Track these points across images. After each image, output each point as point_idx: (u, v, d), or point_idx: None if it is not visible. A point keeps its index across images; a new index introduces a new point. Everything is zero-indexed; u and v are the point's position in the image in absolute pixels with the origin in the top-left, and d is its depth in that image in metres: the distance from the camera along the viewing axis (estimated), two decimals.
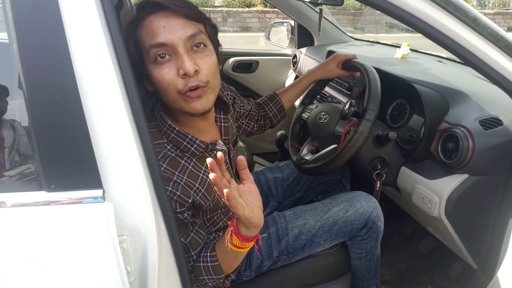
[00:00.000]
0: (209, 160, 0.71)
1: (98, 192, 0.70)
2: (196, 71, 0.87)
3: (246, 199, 0.79)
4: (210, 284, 0.94)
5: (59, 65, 0.66)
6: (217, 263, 0.92)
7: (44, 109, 0.67)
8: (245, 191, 0.80)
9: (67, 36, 0.65)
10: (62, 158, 0.68)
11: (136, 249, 0.78)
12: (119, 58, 0.70)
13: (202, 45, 0.89)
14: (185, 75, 0.86)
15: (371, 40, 2.41)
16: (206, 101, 0.92)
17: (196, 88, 0.88)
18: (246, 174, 0.81)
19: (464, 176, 1.12)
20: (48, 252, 0.71)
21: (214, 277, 0.93)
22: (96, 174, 0.70)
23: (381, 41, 2.34)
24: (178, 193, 0.90)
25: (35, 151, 0.68)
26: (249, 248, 0.87)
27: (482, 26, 0.93)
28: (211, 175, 0.70)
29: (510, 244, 0.98)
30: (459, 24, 0.92)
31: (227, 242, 0.85)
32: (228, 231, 0.85)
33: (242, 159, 0.76)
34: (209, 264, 0.92)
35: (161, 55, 0.86)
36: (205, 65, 0.89)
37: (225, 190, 0.71)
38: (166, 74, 0.87)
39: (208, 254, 0.93)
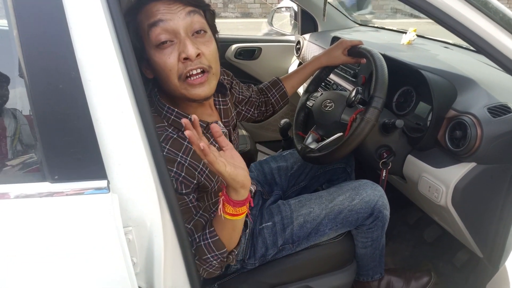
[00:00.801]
0: (184, 119, 0.71)
1: (102, 183, 0.69)
2: (198, 54, 0.88)
3: (228, 160, 0.79)
4: (215, 262, 0.93)
5: (60, 53, 0.64)
6: (217, 237, 0.91)
7: (46, 98, 0.65)
8: (226, 156, 0.80)
9: (68, 23, 0.64)
10: (65, 148, 0.67)
11: (142, 240, 0.77)
12: (122, 45, 0.68)
13: (202, 31, 0.91)
14: (186, 59, 0.87)
15: (376, 25, 2.36)
16: (209, 87, 0.93)
17: (201, 72, 0.90)
18: (224, 141, 0.80)
19: (472, 164, 1.10)
20: (53, 244, 0.70)
21: (216, 253, 0.92)
22: (100, 165, 0.69)
23: (386, 27, 2.29)
24: (183, 174, 0.90)
25: (38, 141, 0.66)
26: (243, 215, 0.87)
27: (493, 11, 0.90)
28: (186, 132, 0.70)
29: None
30: (469, 8, 0.89)
31: (220, 211, 0.86)
32: (220, 201, 0.86)
33: (215, 126, 0.76)
34: (209, 240, 0.91)
35: (166, 42, 0.87)
36: (207, 50, 0.91)
37: (201, 144, 0.71)
38: (168, 59, 0.88)
39: (207, 231, 0.93)
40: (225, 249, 0.93)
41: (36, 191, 0.67)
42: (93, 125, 0.67)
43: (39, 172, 0.69)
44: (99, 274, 0.73)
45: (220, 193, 0.86)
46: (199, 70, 0.90)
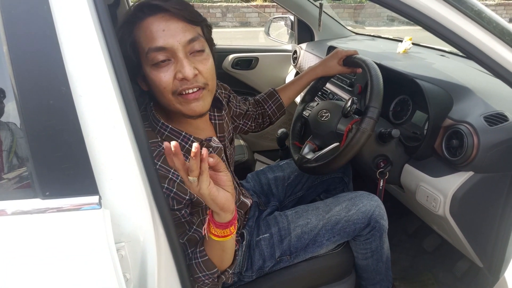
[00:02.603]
0: (174, 143, 0.68)
1: (94, 199, 0.68)
2: (195, 75, 0.88)
3: (215, 182, 0.77)
4: (206, 281, 0.92)
5: (51, 68, 0.64)
6: (207, 257, 0.91)
7: (37, 114, 0.65)
8: (218, 178, 0.77)
9: (58, 38, 0.63)
10: (56, 164, 0.66)
11: (135, 256, 0.76)
12: (113, 60, 0.67)
13: (200, 49, 0.90)
14: (183, 79, 0.87)
15: (372, 34, 2.37)
16: (203, 103, 0.93)
17: (197, 90, 0.89)
18: (221, 167, 0.77)
19: (469, 173, 1.09)
20: (44, 261, 0.69)
21: (207, 272, 0.91)
22: (92, 180, 0.68)
23: (382, 35, 2.30)
24: (174, 190, 0.89)
25: (29, 157, 0.66)
26: (230, 236, 0.85)
27: (487, 20, 0.90)
28: (172, 142, 0.67)
29: None
30: (463, 18, 0.89)
31: (204, 230, 0.85)
32: (206, 220, 0.84)
33: (213, 156, 0.73)
34: (199, 260, 0.91)
35: (163, 60, 0.86)
36: (204, 68, 0.91)
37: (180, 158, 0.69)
38: (163, 77, 0.87)
39: (198, 250, 0.92)
40: (216, 269, 0.92)
41: (26, 208, 0.66)
42: (84, 140, 0.67)
43: (30, 188, 0.68)
44: None
45: (208, 211, 0.85)
46: (195, 89, 0.90)
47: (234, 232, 0.86)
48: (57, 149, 0.66)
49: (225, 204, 0.78)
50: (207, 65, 0.91)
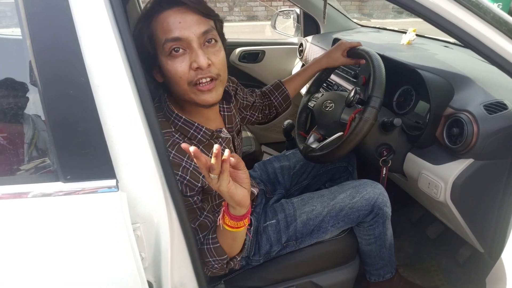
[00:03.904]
0: (192, 148, 0.71)
1: (111, 182, 0.74)
2: (209, 65, 0.92)
3: (233, 179, 0.82)
4: (216, 265, 0.99)
5: (70, 60, 0.69)
6: (218, 244, 0.96)
7: (58, 103, 0.70)
8: (237, 176, 0.83)
9: (77, 32, 0.68)
10: (76, 150, 0.72)
11: (149, 236, 0.81)
12: (128, 52, 0.72)
13: (213, 41, 0.95)
14: (198, 69, 0.92)
15: (377, 26, 2.39)
16: (216, 94, 0.98)
17: (210, 80, 0.94)
18: (241, 166, 0.83)
19: (469, 160, 1.13)
20: (65, 240, 0.74)
21: (217, 258, 0.97)
22: (109, 165, 0.74)
23: (387, 27, 2.32)
24: (187, 178, 0.94)
25: (51, 144, 0.71)
26: (242, 228, 0.91)
27: (484, 11, 0.93)
28: (191, 148, 0.71)
29: None
30: (461, 9, 0.92)
31: (219, 221, 0.90)
32: (221, 211, 0.90)
33: (237, 162, 0.80)
34: (211, 246, 0.97)
35: (176, 49, 0.91)
36: (216, 59, 0.95)
37: (212, 160, 0.73)
38: (179, 67, 0.92)
39: (210, 236, 0.98)
40: (225, 256, 0.98)
41: (50, 191, 0.72)
42: (102, 127, 0.72)
43: (52, 172, 0.73)
44: (110, 269, 0.78)
45: (223, 203, 0.90)
46: (208, 79, 0.94)
47: (247, 224, 0.92)
48: (77, 136, 0.71)
49: (241, 200, 0.83)
50: (219, 57, 0.96)
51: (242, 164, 0.82)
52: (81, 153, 0.72)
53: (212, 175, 0.76)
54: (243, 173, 0.83)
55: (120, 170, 0.75)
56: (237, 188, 0.82)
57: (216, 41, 0.96)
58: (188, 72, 0.92)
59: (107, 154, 0.73)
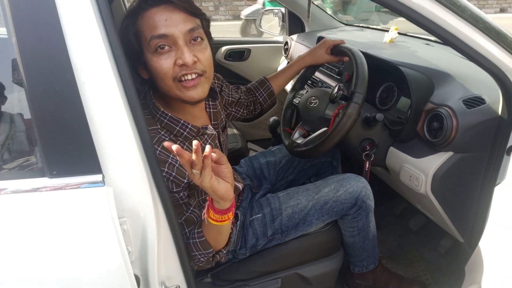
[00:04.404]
0: (175, 147, 0.73)
1: (98, 177, 0.74)
2: (194, 62, 0.94)
3: (216, 174, 0.84)
4: (202, 259, 1.00)
5: (56, 57, 0.70)
6: (203, 238, 0.98)
7: (44, 100, 0.71)
8: (219, 171, 0.85)
9: (63, 29, 0.69)
10: (62, 145, 0.72)
11: (136, 230, 0.82)
12: (114, 49, 0.73)
13: (199, 39, 0.97)
14: (183, 65, 0.93)
15: (361, 25, 2.43)
16: (201, 90, 0.99)
17: (195, 77, 0.95)
18: (223, 161, 0.84)
19: (449, 153, 1.16)
20: (51, 235, 0.75)
21: (203, 252, 0.99)
22: (96, 160, 0.74)
23: (370, 26, 2.36)
24: (173, 174, 0.95)
25: (37, 140, 0.71)
26: (226, 222, 0.92)
27: (462, 9, 0.96)
28: (174, 146, 0.73)
29: (491, 215, 1.03)
30: (440, 7, 0.95)
31: (204, 215, 0.92)
32: (206, 205, 0.92)
33: (217, 153, 0.81)
34: (197, 240, 0.98)
35: (161, 46, 0.92)
36: (202, 57, 0.96)
37: (193, 155, 0.74)
38: (164, 63, 0.93)
39: (196, 230, 0.99)
40: (211, 249, 1.00)
41: (36, 186, 0.72)
42: (88, 123, 0.72)
43: (38, 168, 0.74)
44: (97, 263, 0.78)
45: (207, 198, 0.91)
46: (194, 75, 0.95)
47: (231, 218, 0.94)
48: (63, 132, 0.72)
49: (224, 194, 0.85)
50: (205, 54, 0.97)
51: (224, 159, 0.84)
52: (67, 148, 0.73)
53: (194, 171, 0.77)
54: (226, 168, 0.85)
55: (106, 165, 0.75)
56: (220, 183, 0.83)
57: (202, 39, 0.97)
58: (172, 68, 0.93)
59: (93, 150, 0.74)
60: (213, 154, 0.80)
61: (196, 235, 0.98)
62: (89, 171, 0.75)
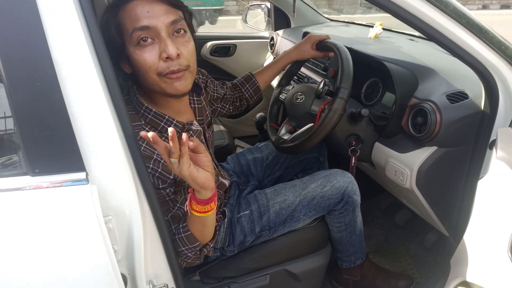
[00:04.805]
0: (151, 134, 0.72)
1: (81, 175, 0.73)
2: (178, 55, 0.92)
3: (195, 163, 0.83)
4: (189, 254, 0.99)
5: (37, 52, 0.68)
6: (189, 232, 0.97)
7: (24, 96, 0.69)
8: (197, 160, 0.84)
9: (43, 23, 0.67)
10: (44, 143, 0.71)
11: (122, 229, 0.81)
12: (95, 43, 0.72)
13: (182, 31, 0.95)
14: (168, 59, 0.91)
15: (346, 20, 2.44)
16: (185, 83, 0.97)
17: (178, 71, 0.93)
18: (200, 149, 0.83)
19: (433, 148, 1.18)
20: (35, 234, 0.73)
21: (190, 246, 0.98)
22: (79, 158, 0.73)
23: (356, 22, 2.37)
24: (159, 170, 0.94)
25: (18, 137, 0.70)
26: (210, 212, 0.92)
27: (445, 4, 0.97)
28: (149, 134, 0.72)
29: (474, 209, 1.05)
30: (422, 2, 0.96)
31: (186, 207, 0.92)
32: (188, 197, 0.91)
33: (193, 140, 0.80)
34: (182, 234, 0.97)
35: (144, 38, 0.90)
36: (185, 50, 0.95)
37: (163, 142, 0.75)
38: (148, 57, 0.91)
39: (181, 225, 0.98)
40: (198, 243, 0.99)
41: (18, 185, 0.70)
42: (70, 120, 0.71)
43: (20, 166, 0.72)
44: (83, 262, 0.77)
45: (189, 189, 0.91)
46: (177, 67, 0.94)
47: (215, 208, 0.93)
48: (45, 129, 0.70)
49: (204, 183, 0.84)
50: (188, 47, 0.96)
51: (202, 147, 0.83)
52: (49, 146, 0.71)
53: (172, 160, 0.77)
54: (204, 156, 0.84)
55: (90, 163, 0.74)
56: (199, 171, 0.83)
57: (185, 31, 0.96)
58: (158, 63, 0.92)
59: (76, 147, 0.72)
60: (190, 143, 0.79)
61: (181, 230, 0.97)
62: (72, 169, 0.73)
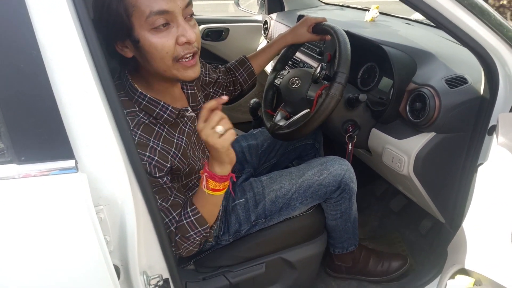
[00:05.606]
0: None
1: (70, 163, 0.69)
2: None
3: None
4: (198, 238, 0.98)
5: (19, 31, 0.63)
6: (200, 214, 0.97)
7: (8, 79, 0.64)
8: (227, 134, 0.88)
9: (26, 2, 0.62)
10: (30, 129, 0.66)
11: (114, 219, 0.78)
12: (82, 22, 0.67)
13: (192, 15, 0.93)
14: (185, 44, 0.89)
15: (341, 4, 2.40)
16: (197, 68, 0.96)
17: (192, 56, 0.92)
18: (228, 125, 0.88)
19: (431, 134, 1.16)
20: (23, 225, 0.70)
21: (200, 229, 0.98)
22: (67, 145, 0.69)
23: (351, 5, 2.33)
24: (156, 158, 0.91)
25: (2, 123, 0.65)
26: (225, 189, 0.95)
27: None
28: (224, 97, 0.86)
29: (474, 196, 1.03)
30: None
31: (204, 187, 0.92)
32: (203, 178, 0.92)
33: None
34: (192, 218, 0.96)
35: (164, 24, 0.86)
36: (197, 33, 0.93)
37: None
38: (166, 41, 0.88)
39: (189, 209, 0.97)
40: (207, 225, 0.99)
41: (3, 173, 0.67)
42: (57, 105, 0.67)
43: (5, 154, 0.68)
44: (74, 254, 0.74)
45: (201, 171, 0.92)
46: (192, 54, 0.92)
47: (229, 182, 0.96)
48: (30, 114, 0.66)
49: (233, 158, 0.91)
50: (197, 31, 0.94)
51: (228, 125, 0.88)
52: (35, 132, 0.67)
53: (218, 129, 0.84)
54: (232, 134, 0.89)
55: (79, 151, 0.70)
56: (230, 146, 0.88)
57: (194, 15, 0.94)
58: (174, 47, 0.88)
59: (63, 133, 0.68)
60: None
61: (190, 213, 0.97)
62: (60, 157, 0.69)
